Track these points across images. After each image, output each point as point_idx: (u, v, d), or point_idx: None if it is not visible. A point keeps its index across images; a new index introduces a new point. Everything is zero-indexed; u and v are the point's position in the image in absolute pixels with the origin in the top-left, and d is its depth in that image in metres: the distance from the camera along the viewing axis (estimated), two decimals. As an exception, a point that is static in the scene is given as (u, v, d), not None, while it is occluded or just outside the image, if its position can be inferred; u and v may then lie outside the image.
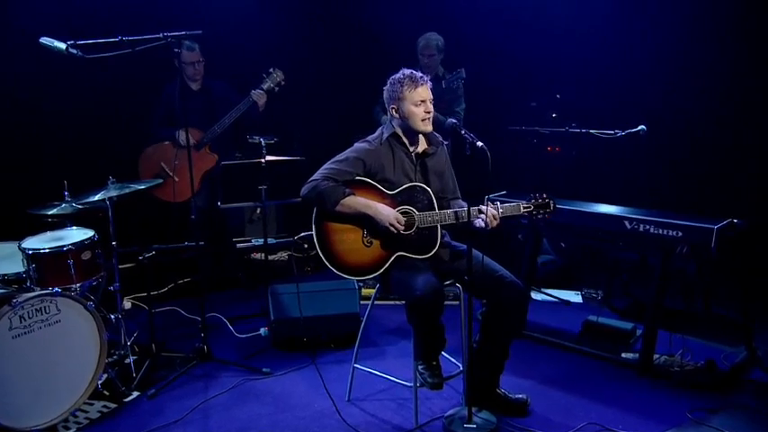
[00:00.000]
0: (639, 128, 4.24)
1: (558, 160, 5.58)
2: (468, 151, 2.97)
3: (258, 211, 5.43)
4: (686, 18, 5.24)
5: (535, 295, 5.15)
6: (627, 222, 3.82)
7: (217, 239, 5.28)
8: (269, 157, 4.47)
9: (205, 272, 5.26)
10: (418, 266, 3.18)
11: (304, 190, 3.23)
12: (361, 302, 4.45)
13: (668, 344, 3.93)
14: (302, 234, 5.03)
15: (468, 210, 3.04)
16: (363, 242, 3.23)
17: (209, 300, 4.99)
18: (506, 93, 5.90)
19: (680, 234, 3.64)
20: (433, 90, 3.27)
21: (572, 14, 5.66)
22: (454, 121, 3.13)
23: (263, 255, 5.17)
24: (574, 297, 5.15)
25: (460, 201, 3.46)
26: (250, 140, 4.49)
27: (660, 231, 3.71)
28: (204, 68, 4.99)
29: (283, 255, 6.11)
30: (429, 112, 3.25)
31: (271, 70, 4.84)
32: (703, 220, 3.65)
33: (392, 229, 3.16)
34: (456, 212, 3.21)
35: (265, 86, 4.80)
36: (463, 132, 3.01)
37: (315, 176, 3.24)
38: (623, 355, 4.02)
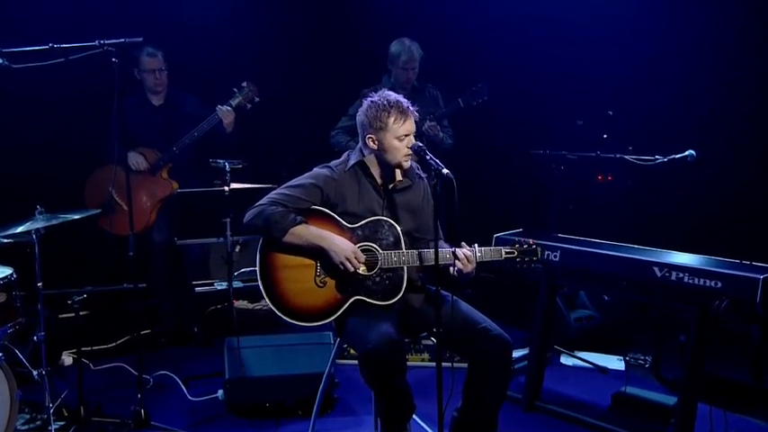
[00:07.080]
0: (687, 153, 4.27)
1: (606, 191, 5.64)
2: (434, 179, 3.09)
3: (238, 248, 5.59)
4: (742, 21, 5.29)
5: (564, 359, 5.15)
6: (656, 269, 3.82)
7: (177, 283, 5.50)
8: (234, 185, 4.69)
9: (167, 321, 5.49)
10: (379, 315, 3.24)
11: (248, 216, 3.33)
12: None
13: (710, 423, 3.91)
14: (243, 270, 5.18)
15: (437, 251, 3.08)
16: (316, 282, 3.32)
17: (168, 355, 5.20)
18: (547, 109, 6.00)
19: (719, 285, 3.62)
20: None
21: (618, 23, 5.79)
22: (419, 144, 3.27)
23: (235, 302, 5.32)
24: (615, 363, 5.11)
25: (442, 243, 3.43)
26: (213, 164, 4.68)
27: (696, 281, 3.69)
28: (169, 80, 5.27)
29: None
30: (411, 147, 3.35)
31: (243, 84, 5.04)
32: (749, 268, 3.65)
33: (348, 265, 3.24)
34: (420, 253, 3.29)
35: (234, 103, 5.00)
36: (428, 158, 3.13)
37: (261, 201, 3.35)
38: (655, 435, 4.02)
